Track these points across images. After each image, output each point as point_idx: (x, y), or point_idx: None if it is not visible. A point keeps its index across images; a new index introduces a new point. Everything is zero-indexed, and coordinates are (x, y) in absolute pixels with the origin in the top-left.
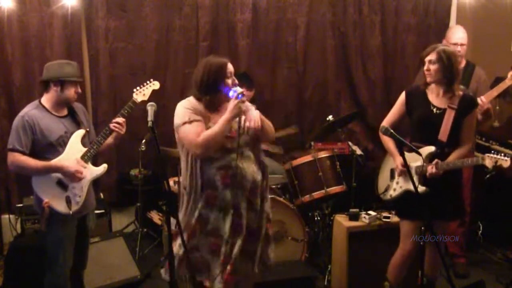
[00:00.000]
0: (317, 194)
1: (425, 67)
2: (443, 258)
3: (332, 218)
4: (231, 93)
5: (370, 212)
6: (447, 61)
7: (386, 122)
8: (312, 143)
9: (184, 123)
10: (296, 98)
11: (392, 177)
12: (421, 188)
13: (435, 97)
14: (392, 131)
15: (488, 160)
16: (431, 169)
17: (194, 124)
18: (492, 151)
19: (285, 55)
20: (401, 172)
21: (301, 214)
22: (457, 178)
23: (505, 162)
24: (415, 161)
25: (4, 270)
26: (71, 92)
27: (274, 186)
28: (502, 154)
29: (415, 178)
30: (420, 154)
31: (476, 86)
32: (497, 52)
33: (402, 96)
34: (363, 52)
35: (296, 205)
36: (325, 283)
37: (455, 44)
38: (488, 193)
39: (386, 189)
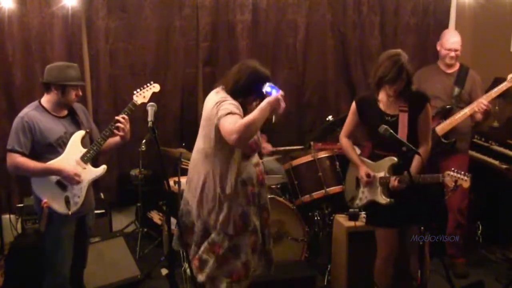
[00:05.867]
0: (317, 194)
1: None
2: (443, 258)
3: (332, 218)
4: (268, 89)
5: None
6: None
7: (344, 132)
8: (312, 143)
9: (228, 114)
10: (296, 98)
11: (357, 185)
12: (385, 200)
13: (385, 102)
14: (391, 131)
15: (448, 179)
16: (393, 181)
17: (237, 116)
18: (452, 170)
19: (285, 55)
20: (366, 182)
21: (301, 214)
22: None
23: (465, 182)
24: (379, 171)
25: (5, 270)
26: (72, 96)
27: (274, 186)
28: (462, 173)
29: (379, 189)
30: (419, 154)
31: (470, 88)
32: (497, 52)
33: (353, 106)
34: (363, 53)
35: (296, 205)
36: (325, 283)
37: (449, 49)
38: (488, 193)
39: (353, 197)
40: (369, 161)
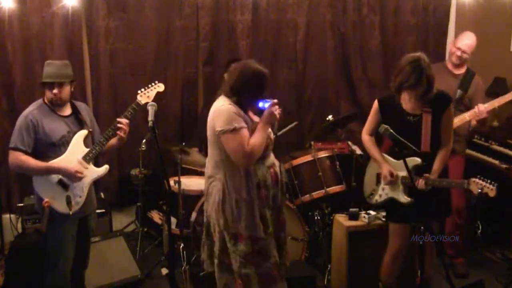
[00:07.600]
0: (316, 194)
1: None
2: (443, 258)
3: (332, 217)
4: (260, 104)
5: (369, 211)
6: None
7: (366, 130)
8: (312, 143)
9: (234, 129)
10: (296, 98)
11: (378, 181)
12: (406, 199)
13: (407, 101)
14: (391, 131)
15: (474, 186)
16: (421, 184)
17: (243, 131)
18: (478, 177)
19: (285, 55)
20: (389, 182)
21: (301, 214)
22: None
23: (491, 191)
24: (401, 170)
25: (5, 270)
26: (48, 94)
27: None
28: (488, 181)
29: (401, 188)
30: (420, 155)
31: (472, 93)
32: (497, 52)
33: (375, 105)
34: (363, 52)
35: (296, 205)
36: (325, 282)
37: (458, 48)
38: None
39: (372, 193)
40: (391, 158)
